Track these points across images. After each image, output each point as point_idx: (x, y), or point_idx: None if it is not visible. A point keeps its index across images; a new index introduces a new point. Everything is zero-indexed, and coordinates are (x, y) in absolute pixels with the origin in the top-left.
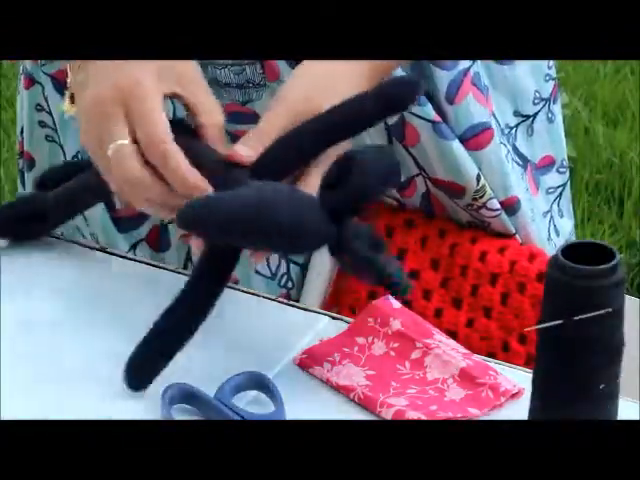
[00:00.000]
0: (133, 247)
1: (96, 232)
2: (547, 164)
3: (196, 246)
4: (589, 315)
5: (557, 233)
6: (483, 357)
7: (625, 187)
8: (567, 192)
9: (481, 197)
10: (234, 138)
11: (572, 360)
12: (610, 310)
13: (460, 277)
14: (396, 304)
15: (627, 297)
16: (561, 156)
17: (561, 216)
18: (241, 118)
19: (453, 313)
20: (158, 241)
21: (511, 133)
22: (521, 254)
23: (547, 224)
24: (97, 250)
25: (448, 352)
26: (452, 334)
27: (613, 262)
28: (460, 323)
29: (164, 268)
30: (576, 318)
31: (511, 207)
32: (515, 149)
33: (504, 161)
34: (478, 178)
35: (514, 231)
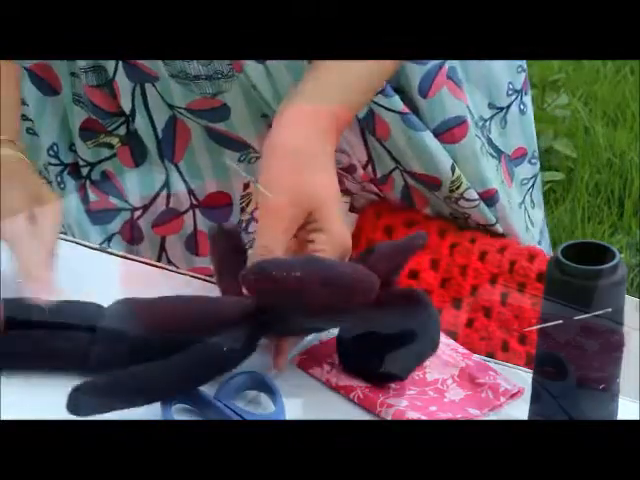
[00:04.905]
0: (108, 240)
1: (71, 224)
2: (520, 155)
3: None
4: (589, 315)
5: (532, 223)
6: (483, 357)
7: (625, 187)
8: (538, 183)
9: (457, 188)
10: (209, 131)
11: (572, 360)
12: (610, 310)
13: (460, 277)
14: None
15: (627, 297)
16: (532, 147)
17: (532, 207)
18: (212, 115)
19: (453, 313)
20: (131, 234)
21: (485, 125)
22: (521, 254)
23: (523, 215)
24: (97, 250)
25: (448, 352)
26: (452, 334)
27: (613, 262)
28: (460, 323)
29: (163, 268)
30: (576, 318)
31: (489, 199)
32: (490, 141)
33: (479, 154)
34: (453, 169)
35: (494, 220)
